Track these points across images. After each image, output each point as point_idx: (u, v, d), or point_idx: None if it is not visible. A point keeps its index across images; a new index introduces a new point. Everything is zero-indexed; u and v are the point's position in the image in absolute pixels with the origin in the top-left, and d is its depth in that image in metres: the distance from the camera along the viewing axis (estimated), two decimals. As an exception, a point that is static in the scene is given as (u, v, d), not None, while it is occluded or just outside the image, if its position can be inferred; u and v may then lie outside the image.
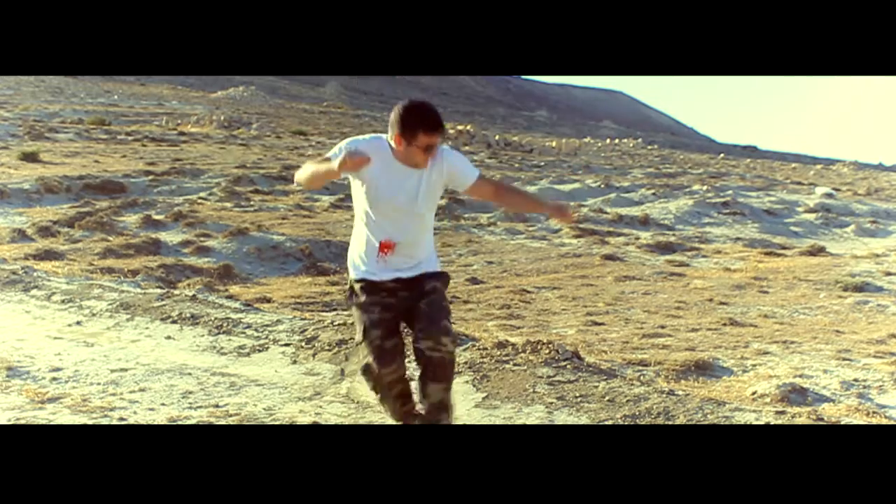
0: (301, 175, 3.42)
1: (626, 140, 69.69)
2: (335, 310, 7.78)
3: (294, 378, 4.98)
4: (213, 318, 6.06)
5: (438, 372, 3.44)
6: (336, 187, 18.37)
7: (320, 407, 4.51)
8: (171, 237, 11.52)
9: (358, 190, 3.48)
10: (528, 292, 9.20)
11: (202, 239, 11.36)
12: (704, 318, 7.80)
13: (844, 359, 6.23)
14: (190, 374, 5.01)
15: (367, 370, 3.54)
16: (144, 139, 26.05)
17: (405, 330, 3.69)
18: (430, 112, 3.26)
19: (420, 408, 3.63)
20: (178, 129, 32.10)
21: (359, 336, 3.55)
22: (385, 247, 3.49)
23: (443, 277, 3.65)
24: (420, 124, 3.25)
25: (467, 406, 4.49)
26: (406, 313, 3.56)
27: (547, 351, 5.11)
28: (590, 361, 5.27)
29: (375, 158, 3.30)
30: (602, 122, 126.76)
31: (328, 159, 3.34)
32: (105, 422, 4.16)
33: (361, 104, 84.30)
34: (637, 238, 14.19)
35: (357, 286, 3.58)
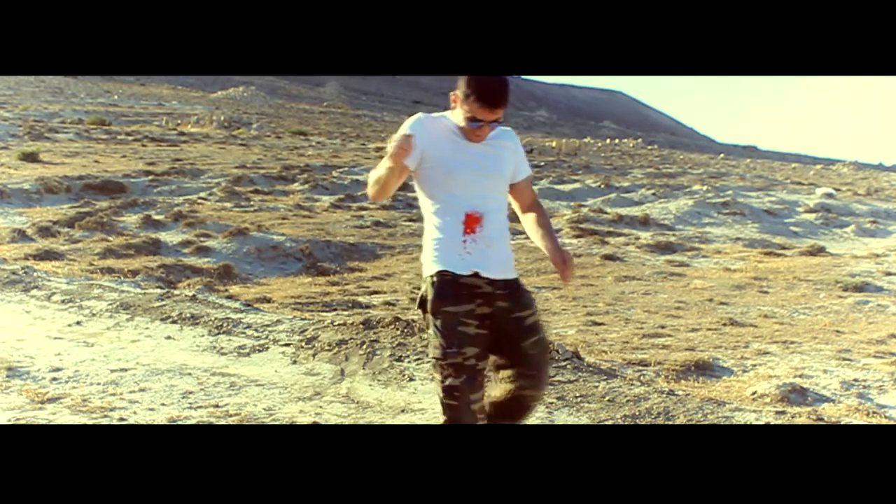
0: (370, 189, 3.04)
1: (626, 140, 69.68)
2: (335, 310, 7.77)
3: (294, 378, 4.98)
4: (213, 319, 6.06)
5: (525, 414, 3.10)
6: (336, 187, 18.37)
7: (320, 407, 4.51)
8: (171, 237, 11.51)
9: (427, 174, 3.03)
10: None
11: (202, 239, 11.36)
12: (704, 318, 7.79)
13: (844, 359, 6.23)
14: (190, 374, 5.01)
15: (450, 393, 2.89)
16: (144, 139, 26.04)
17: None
18: (494, 86, 2.87)
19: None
20: (178, 129, 32.10)
21: (440, 350, 2.91)
22: (472, 220, 2.98)
23: (530, 294, 3.13)
24: (477, 90, 2.87)
25: (467, 406, 4.49)
26: (498, 335, 2.98)
27: (547, 351, 5.10)
28: (590, 361, 5.27)
29: (438, 132, 2.99)
30: (602, 122, 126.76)
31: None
32: (105, 422, 4.16)
33: (361, 104, 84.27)
34: (637, 238, 14.19)
35: (440, 285, 2.96)
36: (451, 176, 2.98)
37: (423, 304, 3.02)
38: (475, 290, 2.96)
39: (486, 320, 2.95)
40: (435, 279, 2.97)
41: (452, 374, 2.88)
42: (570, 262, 3.08)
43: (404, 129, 2.96)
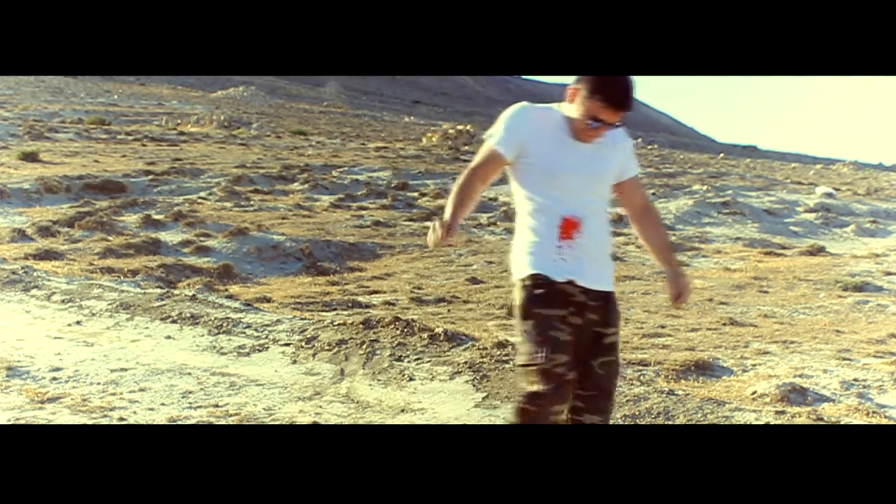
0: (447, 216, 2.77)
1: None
2: (335, 310, 7.77)
3: (294, 378, 4.98)
4: (213, 318, 6.06)
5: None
6: (336, 187, 18.37)
7: (320, 407, 4.51)
8: (171, 237, 11.51)
9: (524, 170, 2.83)
10: (528, 292, 9.18)
11: (202, 239, 11.36)
12: (704, 317, 7.79)
13: (844, 359, 6.23)
14: (190, 374, 5.01)
15: (532, 399, 2.70)
16: (144, 139, 26.03)
17: None
18: (623, 87, 2.67)
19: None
20: (178, 129, 32.09)
21: (528, 356, 2.72)
22: (569, 225, 2.77)
23: (618, 311, 2.93)
24: (604, 90, 2.66)
25: (467, 406, 4.49)
26: (577, 345, 2.77)
27: (547, 351, 5.10)
28: (590, 361, 5.26)
29: (542, 126, 2.79)
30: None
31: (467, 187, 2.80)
32: (105, 422, 4.16)
33: (361, 104, 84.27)
34: (637, 238, 14.18)
35: (532, 287, 2.77)
36: (551, 176, 2.78)
37: (513, 309, 2.84)
38: (569, 297, 2.77)
39: (574, 330, 2.76)
40: (527, 282, 2.78)
41: (539, 381, 2.67)
42: (687, 293, 2.89)
43: (504, 119, 2.81)
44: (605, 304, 2.82)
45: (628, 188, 2.96)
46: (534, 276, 2.77)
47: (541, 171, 2.79)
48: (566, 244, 2.77)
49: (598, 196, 2.85)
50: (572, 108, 2.76)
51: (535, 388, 2.68)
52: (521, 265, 2.83)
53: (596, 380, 2.80)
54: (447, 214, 2.70)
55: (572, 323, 2.75)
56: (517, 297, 2.80)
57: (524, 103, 2.86)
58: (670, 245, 2.99)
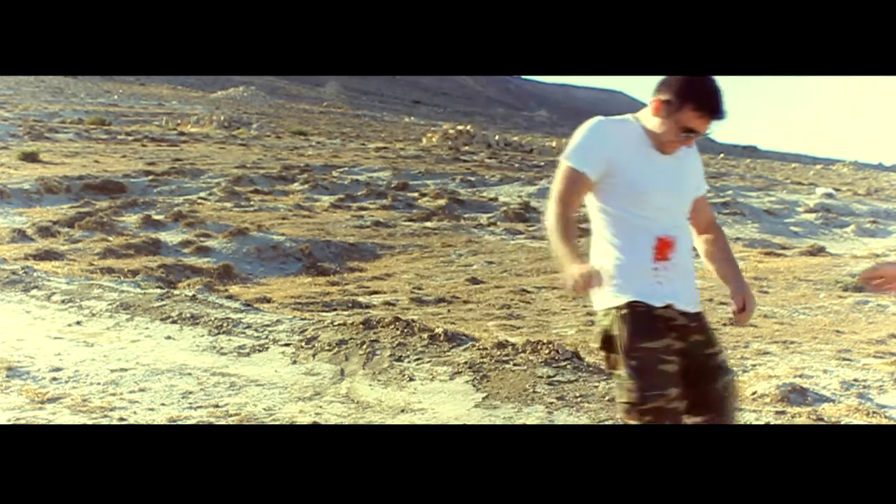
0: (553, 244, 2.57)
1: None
2: (335, 310, 7.77)
3: (294, 378, 4.98)
4: (213, 319, 6.06)
5: None
6: (336, 187, 18.37)
7: (320, 407, 4.51)
8: (171, 237, 11.52)
9: (610, 189, 2.61)
10: (528, 292, 9.20)
11: (202, 239, 11.37)
12: (704, 318, 7.79)
13: (844, 359, 6.23)
14: (190, 374, 5.01)
15: None
16: (144, 139, 26.04)
17: None
18: (714, 92, 2.49)
19: None
20: (178, 129, 32.10)
21: (639, 394, 2.49)
22: (664, 246, 2.57)
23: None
24: (697, 97, 2.48)
25: (467, 406, 4.49)
26: (686, 373, 2.58)
27: (547, 351, 5.11)
28: (590, 361, 5.27)
29: (626, 141, 2.60)
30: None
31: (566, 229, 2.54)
32: (105, 422, 4.16)
33: (361, 104, 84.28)
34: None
35: (633, 318, 2.53)
36: (641, 194, 2.57)
37: (608, 342, 2.57)
38: (670, 322, 2.56)
39: (679, 356, 2.56)
40: (625, 311, 2.54)
41: (654, 420, 2.49)
42: (752, 309, 2.70)
43: (583, 137, 2.61)
44: (702, 324, 2.65)
45: (700, 206, 2.78)
46: (632, 305, 2.54)
47: (629, 190, 2.58)
48: (662, 266, 2.58)
49: (684, 213, 2.69)
50: (656, 121, 2.57)
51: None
52: (614, 290, 2.58)
53: (721, 405, 2.64)
54: (570, 262, 2.44)
55: (678, 349, 2.55)
56: (616, 329, 2.55)
57: (599, 118, 2.68)
58: (737, 266, 2.81)
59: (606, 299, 2.58)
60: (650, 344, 2.51)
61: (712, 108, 2.47)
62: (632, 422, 2.53)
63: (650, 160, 2.59)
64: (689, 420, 2.63)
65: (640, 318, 2.52)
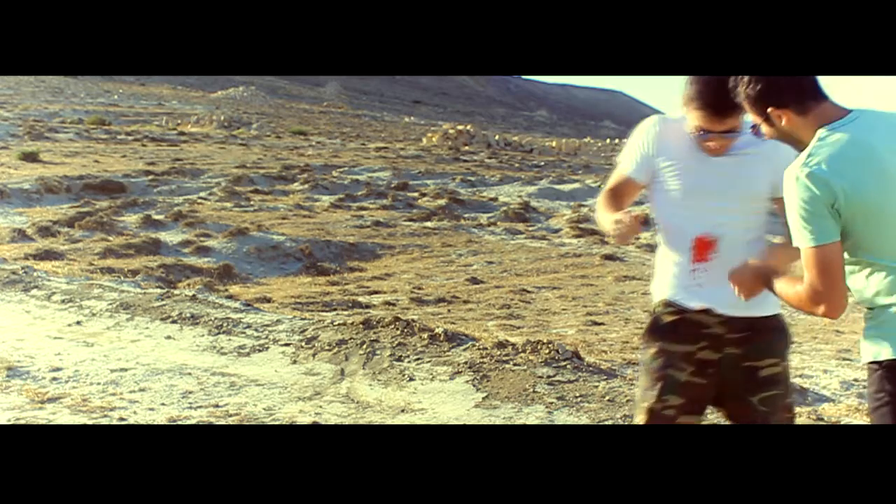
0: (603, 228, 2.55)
1: (626, 140, 69.47)
2: (335, 310, 7.78)
3: (294, 378, 4.98)
4: (213, 318, 6.06)
5: None
6: (336, 187, 18.37)
7: (320, 407, 4.51)
8: (171, 237, 11.52)
9: (659, 190, 2.59)
10: (528, 292, 9.21)
11: (202, 239, 11.38)
12: (704, 318, 7.80)
13: (844, 359, 6.23)
14: (190, 374, 5.01)
15: None
16: (144, 139, 26.06)
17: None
18: (716, 89, 2.40)
19: None
20: (178, 129, 32.11)
21: (641, 390, 2.53)
22: (702, 246, 2.47)
23: (785, 337, 2.62)
24: (698, 95, 2.43)
25: (467, 406, 4.49)
26: (723, 386, 2.49)
27: (547, 351, 5.11)
28: (590, 361, 5.27)
29: (676, 141, 2.53)
30: (602, 122, 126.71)
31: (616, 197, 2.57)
32: (105, 422, 4.16)
33: (361, 104, 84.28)
34: (637, 238, 14.20)
35: (662, 316, 2.57)
36: (683, 195, 2.52)
37: (650, 333, 2.63)
38: (701, 329, 2.48)
39: (708, 368, 2.46)
40: (657, 309, 2.58)
41: (646, 419, 2.48)
42: (738, 290, 2.50)
43: (634, 139, 2.58)
44: (752, 335, 2.50)
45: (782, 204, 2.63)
46: (665, 304, 2.56)
47: (674, 191, 2.53)
48: (701, 267, 2.48)
49: (741, 213, 2.52)
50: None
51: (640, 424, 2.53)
52: (655, 290, 2.64)
53: (754, 418, 2.50)
54: (613, 217, 2.42)
55: (702, 359, 2.47)
56: (650, 325, 2.59)
57: (655, 117, 2.62)
58: (781, 251, 2.63)
59: (653, 297, 2.65)
60: (669, 346, 2.50)
61: (713, 105, 2.41)
62: (636, 414, 2.56)
63: (698, 160, 2.50)
64: None
65: (669, 317, 2.53)
